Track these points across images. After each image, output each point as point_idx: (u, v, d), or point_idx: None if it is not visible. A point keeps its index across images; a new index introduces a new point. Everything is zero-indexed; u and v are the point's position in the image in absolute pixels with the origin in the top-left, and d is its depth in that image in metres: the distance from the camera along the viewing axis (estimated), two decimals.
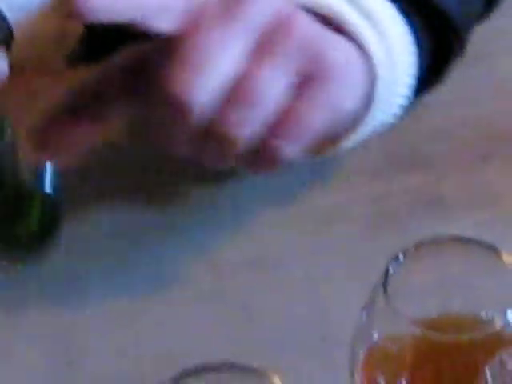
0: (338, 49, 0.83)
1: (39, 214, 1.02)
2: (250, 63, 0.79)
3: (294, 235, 0.96)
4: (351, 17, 0.84)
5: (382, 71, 0.86)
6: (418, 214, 0.95)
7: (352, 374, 0.73)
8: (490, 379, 0.71)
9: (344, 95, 0.83)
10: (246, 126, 0.80)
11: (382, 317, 0.72)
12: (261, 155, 0.82)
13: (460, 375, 0.73)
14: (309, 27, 0.82)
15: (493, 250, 0.73)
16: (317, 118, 0.82)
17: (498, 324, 0.71)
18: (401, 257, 0.72)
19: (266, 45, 0.80)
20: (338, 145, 0.89)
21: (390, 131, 0.93)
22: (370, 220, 0.96)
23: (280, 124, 0.81)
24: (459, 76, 0.96)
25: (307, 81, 0.81)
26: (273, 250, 0.95)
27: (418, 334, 0.71)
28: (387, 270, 0.72)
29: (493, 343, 0.72)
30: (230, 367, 0.68)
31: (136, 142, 0.97)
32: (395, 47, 0.87)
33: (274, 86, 0.80)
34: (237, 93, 0.79)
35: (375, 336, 0.73)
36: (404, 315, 0.70)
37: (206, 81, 0.78)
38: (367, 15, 0.84)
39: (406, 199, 0.97)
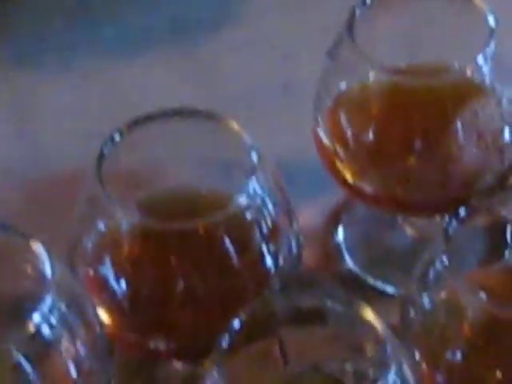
0: None
1: None
2: None
3: None
4: None
5: None
6: None
7: (317, 124, 0.73)
8: (461, 129, 0.71)
9: None
10: None
11: (348, 64, 0.72)
12: None
13: (431, 127, 0.72)
14: None
15: None
16: None
17: (470, 69, 0.70)
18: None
19: None
20: None
21: None
22: None
23: None
24: None
25: None
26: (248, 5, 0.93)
27: (387, 82, 0.71)
28: (353, 14, 0.71)
29: (464, 92, 0.71)
30: (187, 113, 0.68)
31: None
32: None
33: None
34: None
35: (342, 85, 0.72)
36: (372, 62, 0.70)
37: None
38: None
39: None
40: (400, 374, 0.58)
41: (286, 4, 0.91)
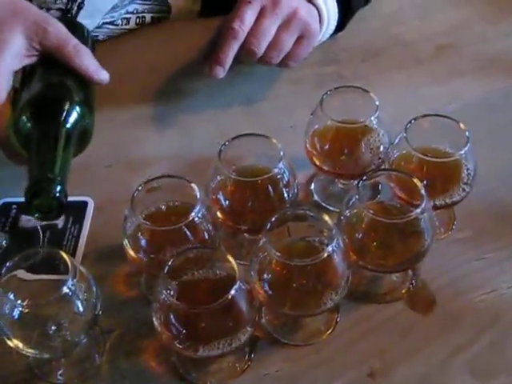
0: (315, 22, 0.80)
1: None
2: (280, 31, 0.77)
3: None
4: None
5: (325, 21, 0.83)
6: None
7: (306, 142, 0.72)
8: (363, 146, 0.70)
9: (315, 41, 0.82)
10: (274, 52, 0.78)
11: (319, 117, 0.71)
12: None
13: (351, 144, 0.71)
14: (305, 14, 0.78)
15: (366, 91, 0.71)
16: (305, 51, 0.80)
17: (367, 121, 0.69)
18: (329, 92, 0.71)
19: (286, 23, 0.77)
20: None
21: None
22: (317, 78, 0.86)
23: (289, 54, 0.79)
24: None
25: (302, 37, 0.79)
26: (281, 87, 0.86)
27: (334, 125, 0.69)
28: (323, 97, 0.71)
29: (365, 130, 0.70)
30: (253, 135, 0.67)
31: None
32: (330, 10, 0.83)
33: (289, 40, 0.78)
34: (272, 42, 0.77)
35: (316, 126, 0.72)
36: (328, 116, 0.69)
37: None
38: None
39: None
40: (338, 243, 0.59)
41: (298, 91, 0.85)
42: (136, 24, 0.91)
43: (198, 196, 0.62)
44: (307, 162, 0.72)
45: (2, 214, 0.74)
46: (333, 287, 0.60)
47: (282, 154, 0.65)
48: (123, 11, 0.89)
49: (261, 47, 0.75)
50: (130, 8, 0.90)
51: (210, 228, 0.63)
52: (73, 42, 0.65)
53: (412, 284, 0.68)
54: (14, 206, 0.74)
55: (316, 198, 0.75)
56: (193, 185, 0.63)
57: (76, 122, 0.62)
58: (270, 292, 0.60)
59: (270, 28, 0.75)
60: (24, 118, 0.60)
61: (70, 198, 0.74)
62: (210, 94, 0.85)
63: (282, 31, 0.77)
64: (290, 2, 0.77)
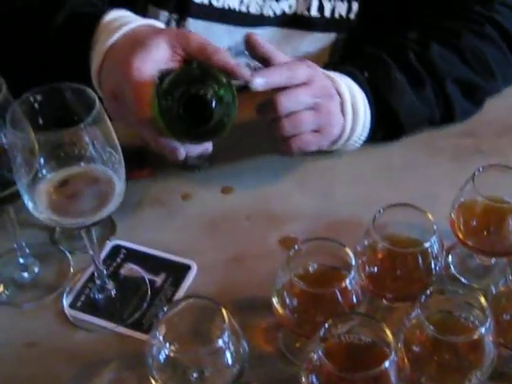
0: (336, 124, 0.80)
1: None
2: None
3: None
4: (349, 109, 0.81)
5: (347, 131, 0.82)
6: None
7: (451, 213, 0.71)
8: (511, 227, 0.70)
9: (333, 135, 0.81)
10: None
11: (469, 192, 0.70)
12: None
13: (497, 223, 0.70)
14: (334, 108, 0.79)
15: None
16: (314, 144, 0.80)
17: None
18: (481, 168, 0.70)
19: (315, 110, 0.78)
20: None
21: None
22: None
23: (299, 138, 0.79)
24: None
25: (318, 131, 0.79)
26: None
27: (481, 202, 0.69)
28: (475, 173, 0.70)
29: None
30: (408, 206, 0.67)
31: None
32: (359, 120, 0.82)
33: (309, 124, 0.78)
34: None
35: (463, 199, 0.71)
36: (479, 193, 0.69)
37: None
38: (355, 112, 0.81)
39: None
40: (490, 324, 0.59)
41: (436, 162, 0.85)
42: None
43: (354, 262, 0.64)
44: (444, 233, 0.70)
45: (109, 256, 0.75)
46: (478, 366, 0.60)
47: (435, 227, 0.66)
48: None
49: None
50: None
51: (359, 292, 0.64)
52: (212, 44, 0.72)
53: None
54: (124, 251, 0.76)
55: (453, 270, 0.75)
56: (347, 250, 0.64)
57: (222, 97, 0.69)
58: (413, 362, 0.60)
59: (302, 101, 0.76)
60: (170, 98, 0.68)
61: (173, 258, 0.75)
62: (354, 155, 0.86)
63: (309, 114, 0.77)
64: (328, 104, 0.78)
